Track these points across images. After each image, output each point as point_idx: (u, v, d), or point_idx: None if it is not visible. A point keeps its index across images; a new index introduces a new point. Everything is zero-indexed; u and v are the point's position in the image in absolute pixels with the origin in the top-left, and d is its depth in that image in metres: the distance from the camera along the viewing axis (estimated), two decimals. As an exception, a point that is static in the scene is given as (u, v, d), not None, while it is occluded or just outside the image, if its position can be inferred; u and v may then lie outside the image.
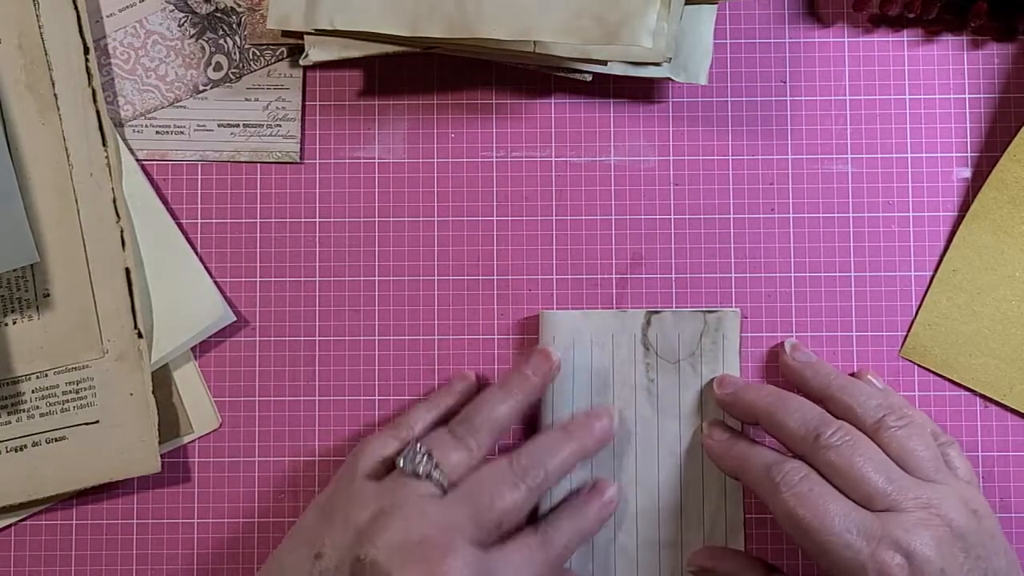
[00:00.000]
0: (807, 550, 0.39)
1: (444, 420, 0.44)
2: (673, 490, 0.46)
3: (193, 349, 0.46)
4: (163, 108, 0.47)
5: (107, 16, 0.47)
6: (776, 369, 0.46)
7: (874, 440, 0.40)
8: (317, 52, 0.44)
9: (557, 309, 0.46)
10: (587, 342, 0.46)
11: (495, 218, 0.47)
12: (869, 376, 0.45)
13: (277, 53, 0.47)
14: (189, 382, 0.46)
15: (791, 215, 0.46)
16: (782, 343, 0.45)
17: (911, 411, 0.43)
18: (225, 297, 0.46)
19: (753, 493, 0.43)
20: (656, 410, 0.46)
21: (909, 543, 0.37)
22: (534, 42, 0.42)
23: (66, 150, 0.45)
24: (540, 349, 0.45)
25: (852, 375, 0.45)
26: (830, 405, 0.42)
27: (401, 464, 0.41)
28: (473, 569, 0.38)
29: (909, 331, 0.46)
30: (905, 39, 0.47)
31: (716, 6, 0.45)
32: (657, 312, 0.46)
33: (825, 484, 0.39)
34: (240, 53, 0.47)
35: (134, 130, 0.47)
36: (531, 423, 0.46)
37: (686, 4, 0.44)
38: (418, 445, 0.41)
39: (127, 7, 0.47)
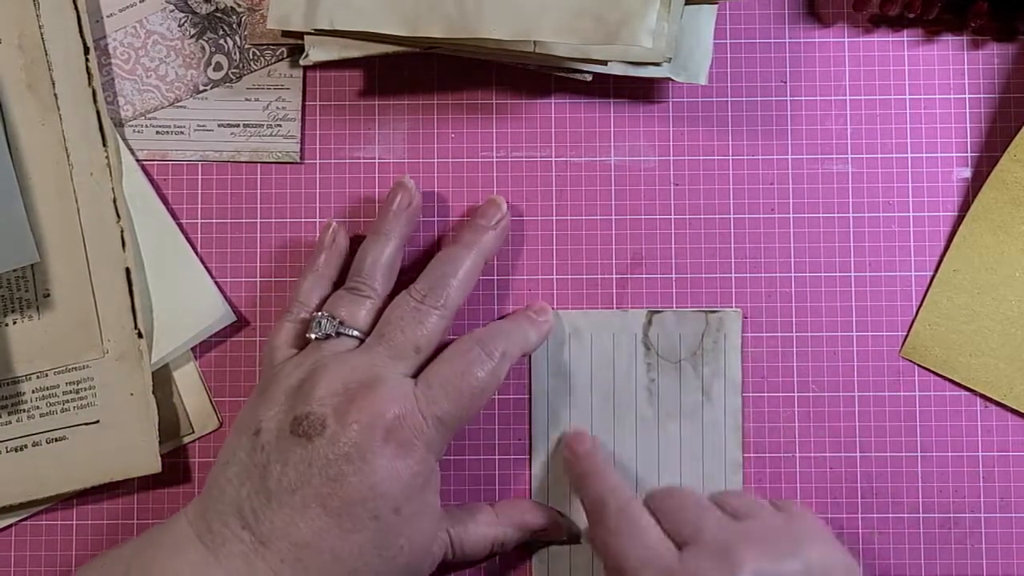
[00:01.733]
0: None
1: (333, 282, 0.44)
2: (673, 490, 0.46)
3: (193, 349, 0.46)
4: (163, 108, 0.47)
5: (107, 16, 0.47)
6: (776, 369, 0.46)
7: None
8: (317, 52, 0.44)
9: (557, 309, 0.46)
10: (587, 341, 0.46)
11: (495, 218, 0.47)
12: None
13: (277, 53, 0.47)
14: (189, 382, 0.46)
15: (791, 215, 0.46)
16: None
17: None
18: (225, 297, 0.46)
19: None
20: (656, 410, 0.46)
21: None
22: (534, 42, 0.42)
23: (66, 150, 0.45)
24: (399, 183, 0.44)
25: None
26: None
27: (313, 336, 0.42)
28: (400, 390, 0.40)
29: (909, 331, 0.46)
30: (905, 39, 0.47)
31: (716, 6, 0.45)
32: (658, 312, 0.46)
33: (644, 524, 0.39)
34: (240, 53, 0.47)
35: (134, 130, 0.47)
36: (529, 422, 0.46)
37: (686, 4, 0.44)
38: (321, 312, 0.42)
39: (127, 7, 0.47)
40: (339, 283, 0.44)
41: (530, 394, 0.46)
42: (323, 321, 0.42)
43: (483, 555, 0.43)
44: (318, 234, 0.45)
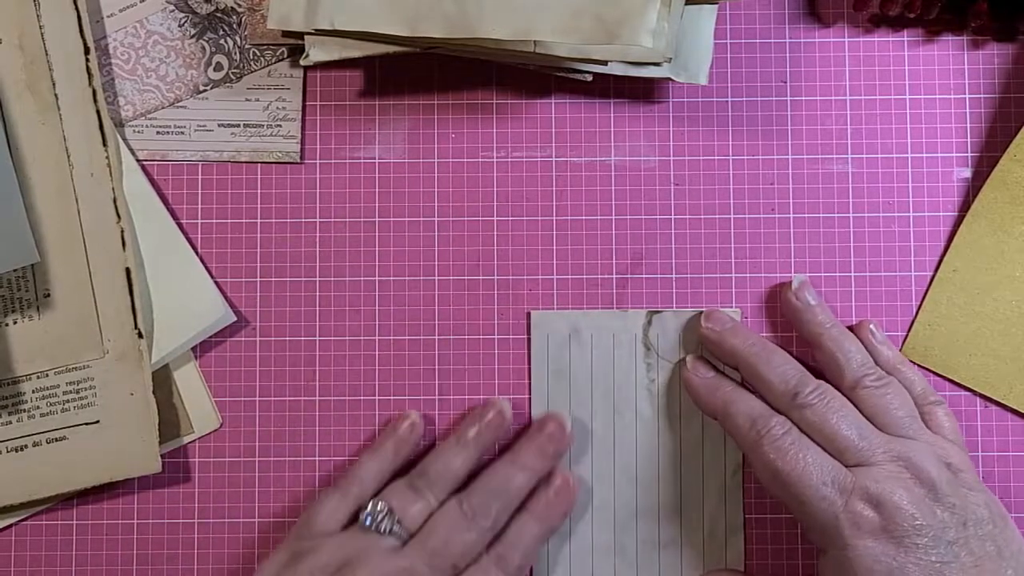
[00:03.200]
0: (785, 501, 0.41)
1: (394, 471, 0.45)
2: (673, 490, 0.46)
3: (193, 349, 0.46)
4: (163, 108, 0.47)
5: (107, 16, 0.47)
6: (776, 369, 0.46)
7: (851, 397, 0.42)
8: (317, 52, 0.44)
9: (557, 309, 0.46)
10: (587, 341, 0.46)
11: (495, 218, 0.47)
12: (870, 327, 0.45)
13: (277, 53, 0.47)
14: (189, 382, 0.46)
15: (791, 215, 0.46)
16: (791, 279, 0.45)
17: (903, 368, 0.44)
18: (225, 297, 0.46)
19: (740, 449, 0.45)
20: (656, 410, 0.46)
21: (879, 493, 0.39)
22: (534, 42, 0.42)
23: (66, 150, 0.45)
24: (495, 404, 0.45)
25: (851, 328, 0.45)
26: (817, 353, 0.44)
27: (366, 523, 0.42)
28: None
29: (909, 331, 0.46)
30: (905, 39, 0.47)
31: (716, 6, 0.45)
32: (658, 312, 0.46)
33: (804, 439, 0.41)
34: (240, 53, 0.47)
35: (134, 130, 0.47)
36: (529, 422, 0.46)
37: (686, 4, 0.44)
38: (379, 503, 0.42)
39: (127, 7, 0.47)
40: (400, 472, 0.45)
41: (530, 394, 0.46)
42: (381, 513, 0.42)
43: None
44: (393, 419, 0.45)
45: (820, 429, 0.41)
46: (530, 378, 0.46)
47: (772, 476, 0.40)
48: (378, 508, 0.42)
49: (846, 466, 0.40)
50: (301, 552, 0.41)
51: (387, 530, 0.42)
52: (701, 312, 0.46)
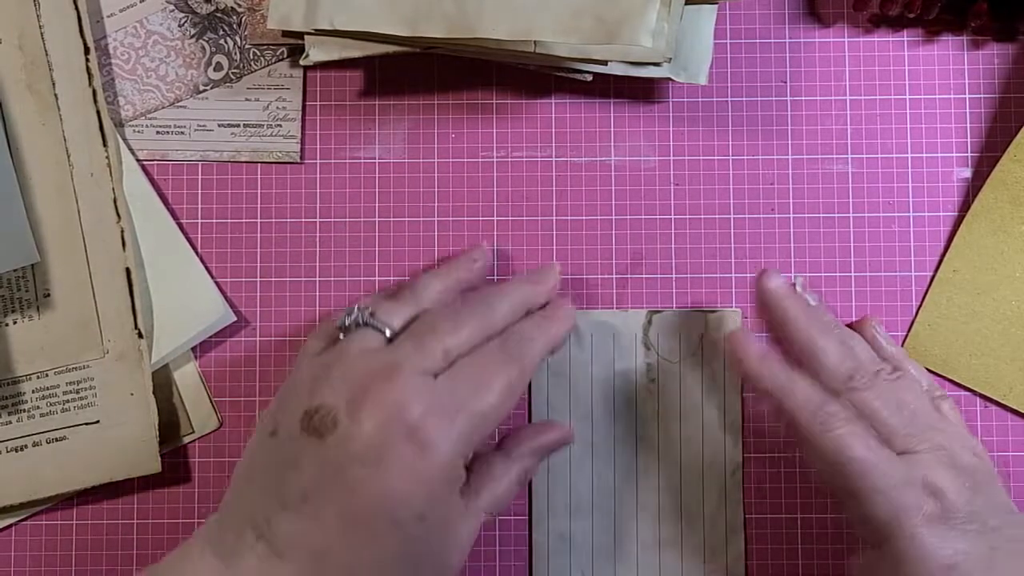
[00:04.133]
0: (842, 491, 0.39)
1: (452, 295, 0.42)
2: (673, 490, 0.46)
3: (193, 349, 0.46)
4: (163, 108, 0.47)
5: (107, 16, 0.47)
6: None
7: None
8: (317, 52, 0.44)
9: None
10: (587, 341, 0.46)
11: (495, 218, 0.47)
12: (873, 324, 0.45)
13: (277, 53, 0.47)
14: (189, 382, 0.46)
15: (791, 215, 0.46)
16: (793, 280, 0.45)
17: (907, 365, 0.44)
18: (225, 297, 0.46)
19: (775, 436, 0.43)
20: (657, 410, 0.46)
21: (935, 482, 0.38)
22: (534, 42, 0.42)
23: (66, 150, 0.45)
24: (476, 247, 0.44)
25: (853, 324, 0.45)
26: None
27: (341, 323, 0.39)
28: (420, 389, 0.36)
29: (909, 331, 0.46)
30: (905, 39, 0.47)
31: (716, 6, 0.45)
32: (658, 312, 0.46)
33: (867, 428, 0.39)
34: (240, 53, 0.47)
35: (134, 130, 0.47)
36: (528, 422, 0.46)
37: (686, 4, 0.44)
38: (356, 305, 0.39)
39: (127, 7, 0.47)
40: None
41: (530, 394, 0.46)
42: (354, 310, 0.39)
43: (513, 497, 0.40)
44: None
45: (871, 415, 0.40)
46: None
47: (834, 466, 0.39)
48: (355, 307, 0.39)
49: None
50: (285, 383, 0.39)
51: (363, 321, 0.38)
52: (702, 312, 0.46)
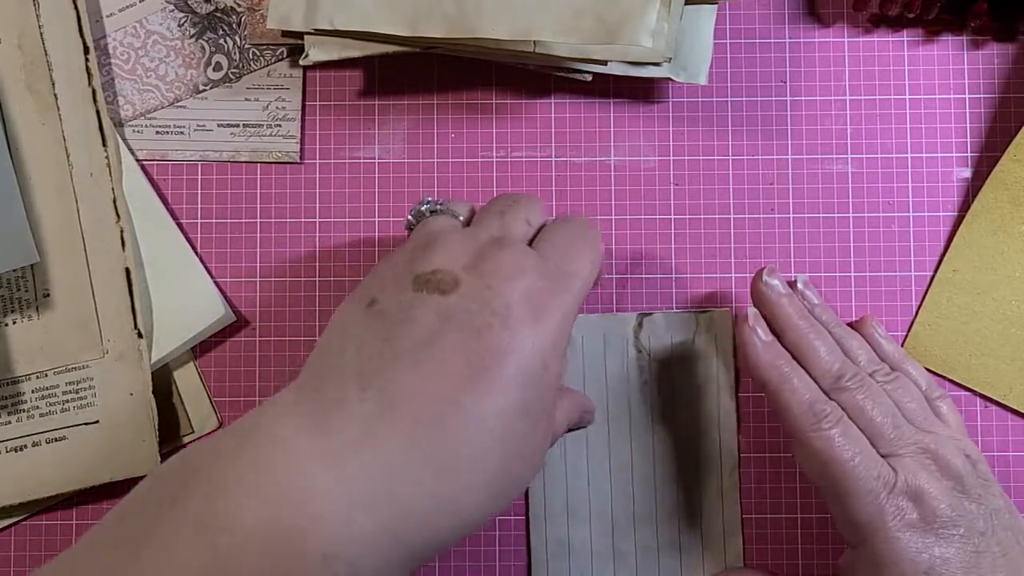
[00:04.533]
0: (827, 490, 0.39)
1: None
2: (670, 491, 0.46)
3: (193, 349, 0.46)
4: (163, 108, 0.47)
5: (107, 16, 0.47)
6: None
7: None
8: (317, 52, 0.44)
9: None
10: (579, 345, 0.46)
11: (495, 218, 0.46)
12: (873, 323, 0.45)
13: (277, 53, 0.47)
14: (189, 382, 0.46)
15: (791, 215, 0.46)
16: (795, 279, 0.45)
17: (906, 364, 0.43)
18: (225, 297, 0.46)
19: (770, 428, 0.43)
20: (650, 413, 0.46)
21: (919, 487, 0.38)
22: (534, 42, 0.42)
23: (66, 150, 0.45)
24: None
25: (853, 323, 0.45)
26: None
27: (416, 213, 0.39)
28: (529, 254, 0.36)
29: (909, 331, 0.46)
30: (905, 39, 0.47)
31: (716, 6, 0.45)
32: (648, 315, 0.46)
33: (854, 429, 0.39)
34: (240, 53, 0.47)
35: (134, 130, 0.47)
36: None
37: (686, 4, 0.44)
38: (419, 201, 0.40)
39: (127, 7, 0.47)
40: None
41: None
42: (425, 201, 0.39)
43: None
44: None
45: (858, 416, 0.40)
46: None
47: (820, 465, 0.39)
48: (424, 200, 0.40)
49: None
50: (372, 273, 0.37)
51: (434, 210, 0.39)
52: (692, 313, 0.46)
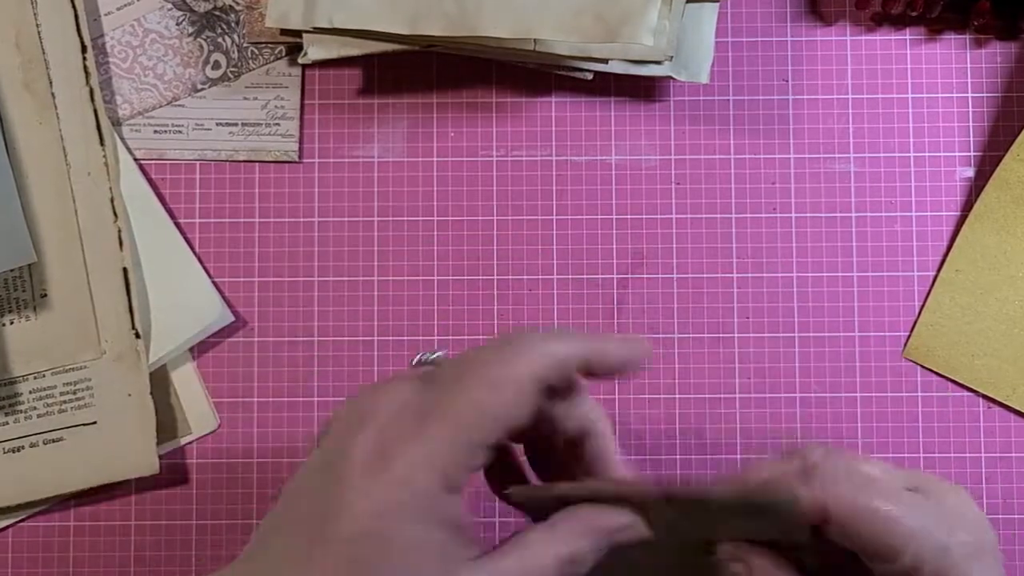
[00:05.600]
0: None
1: None
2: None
3: (191, 349, 0.46)
4: (161, 107, 0.47)
5: (105, 14, 0.46)
6: (777, 369, 0.46)
7: None
8: (316, 50, 0.43)
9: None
10: None
11: (495, 218, 0.46)
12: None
13: (276, 51, 0.47)
14: (187, 383, 0.46)
15: (793, 215, 0.46)
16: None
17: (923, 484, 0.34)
18: (224, 297, 0.46)
19: None
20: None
21: None
22: (534, 40, 0.42)
23: (64, 149, 0.45)
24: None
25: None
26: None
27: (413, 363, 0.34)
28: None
29: (912, 332, 0.46)
30: (908, 38, 0.47)
31: (717, 4, 0.44)
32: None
33: None
34: (238, 52, 0.47)
35: (132, 129, 0.46)
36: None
37: (687, 2, 0.44)
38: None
39: (125, 5, 0.46)
40: None
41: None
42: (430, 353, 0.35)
43: None
44: None
45: None
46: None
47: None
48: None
49: None
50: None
51: (431, 361, 0.34)
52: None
